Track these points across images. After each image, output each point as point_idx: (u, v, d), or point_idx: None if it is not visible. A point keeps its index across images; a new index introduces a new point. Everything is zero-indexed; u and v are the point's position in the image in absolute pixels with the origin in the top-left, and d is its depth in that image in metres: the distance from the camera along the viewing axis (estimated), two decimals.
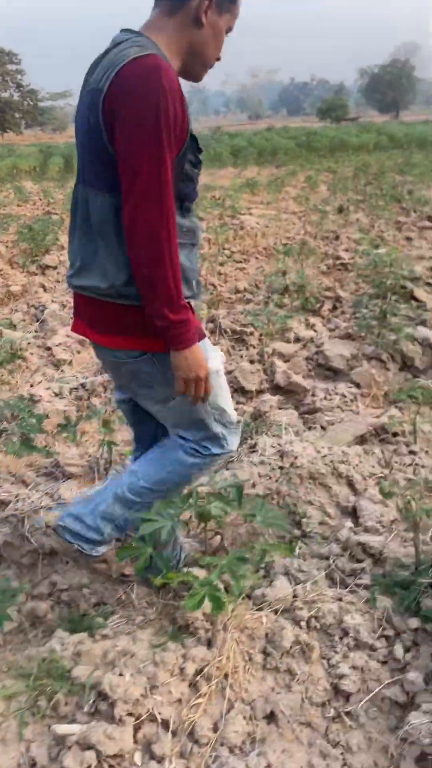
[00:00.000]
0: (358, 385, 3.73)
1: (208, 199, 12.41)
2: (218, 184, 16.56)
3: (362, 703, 1.70)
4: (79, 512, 2.13)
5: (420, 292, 5.10)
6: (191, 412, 1.90)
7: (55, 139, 58.88)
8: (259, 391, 3.73)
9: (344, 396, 3.62)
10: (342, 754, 1.60)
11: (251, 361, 3.98)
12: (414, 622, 1.84)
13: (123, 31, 1.75)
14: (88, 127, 1.68)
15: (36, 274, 7.06)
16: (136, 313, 1.75)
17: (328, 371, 3.93)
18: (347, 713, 1.69)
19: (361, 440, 2.99)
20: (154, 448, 2.10)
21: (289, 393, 3.70)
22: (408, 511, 1.96)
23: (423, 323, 4.76)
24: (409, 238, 8.18)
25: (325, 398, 3.62)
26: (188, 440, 1.99)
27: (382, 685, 1.73)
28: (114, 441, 2.78)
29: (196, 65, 1.81)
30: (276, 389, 3.73)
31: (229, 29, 1.82)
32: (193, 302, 1.88)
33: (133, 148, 1.58)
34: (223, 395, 1.93)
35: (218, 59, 1.86)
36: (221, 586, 1.66)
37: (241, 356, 4.05)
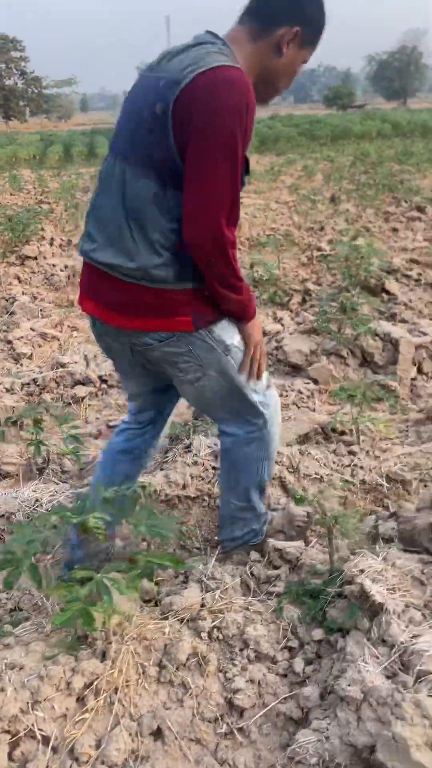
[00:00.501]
0: (315, 381, 3.66)
1: None
2: None
3: (255, 718, 1.64)
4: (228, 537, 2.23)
5: (392, 285, 5.01)
6: (230, 386, 1.96)
7: (60, 127, 58.65)
8: None
9: (300, 392, 3.55)
10: None
11: None
12: (318, 633, 1.79)
13: (208, 32, 1.76)
14: (153, 115, 1.65)
15: (15, 265, 7.01)
16: (164, 295, 1.77)
17: (287, 367, 3.85)
18: (240, 729, 1.63)
19: (305, 439, 2.92)
20: (221, 470, 2.17)
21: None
22: (321, 518, 1.90)
23: (393, 317, 4.69)
24: (395, 229, 8.07)
25: (281, 395, 3.54)
26: (232, 432, 2.06)
27: (278, 700, 1.67)
28: (43, 441, 2.72)
29: (265, 91, 1.84)
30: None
31: (304, 61, 1.85)
32: None
33: (213, 159, 1.61)
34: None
35: (287, 88, 1.91)
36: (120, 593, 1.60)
37: None
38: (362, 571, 1.81)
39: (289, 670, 1.73)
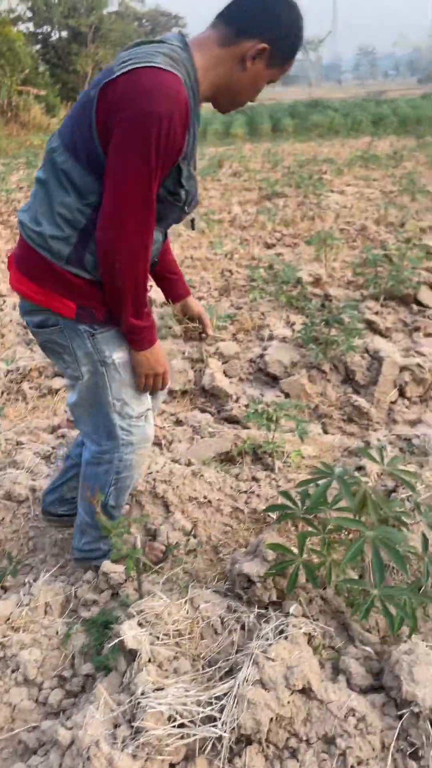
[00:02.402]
0: (287, 395, 3.54)
1: (313, 173, 12.06)
2: (336, 156, 15.97)
3: None
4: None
5: (425, 295, 4.68)
6: (96, 401, 1.90)
7: None
8: (184, 392, 3.64)
9: (267, 405, 3.44)
10: None
11: (194, 360, 3.87)
12: (87, 668, 1.77)
13: (177, 35, 1.74)
14: (87, 102, 1.66)
15: None
16: (58, 271, 1.74)
17: (267, 377, 3.75)
18: None
19: (226, 458, 2.85)
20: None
21: (214, 396, 3.58)
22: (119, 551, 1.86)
23: (417, 330, 4.40)
24: None
25: (247, 406, 3.46)
26: (88, 447, 2.02)
27: (25, 728, 1.69)
28: None
29: (225, 100, 1.79)
30: (202, 391, 3.62)
31: (272, 81, 1.79)
32: None
33: (124, 165, 1.59)
34: (128, 389, 1.90)
35: (251, 101, 1.83)
36: None
37: (184, 353, 3.93)
38: (141, 611, 1.77)
39: (47, 700, 1.74)
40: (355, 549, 1.62)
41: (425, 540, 1.85)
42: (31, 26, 39.99)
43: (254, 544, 2.00)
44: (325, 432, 3.33)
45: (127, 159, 1.58)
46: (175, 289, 2.20)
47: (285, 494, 1.94)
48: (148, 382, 1.89)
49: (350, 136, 23.17)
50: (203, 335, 2.24)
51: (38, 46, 39.24)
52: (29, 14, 39.96)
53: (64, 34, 40.48)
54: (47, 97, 32.72)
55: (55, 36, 40.68)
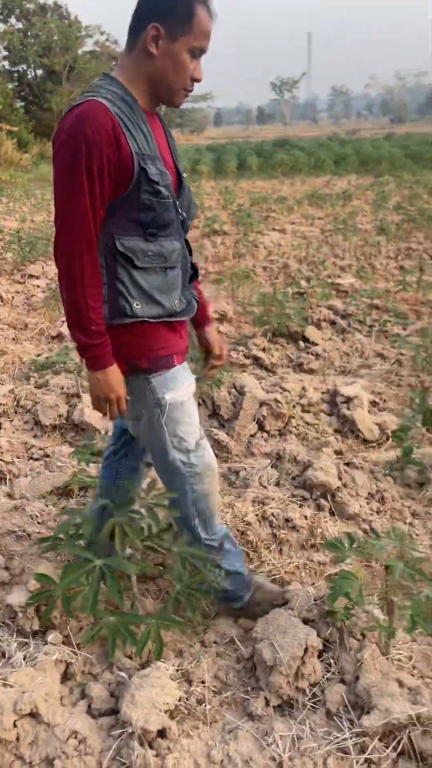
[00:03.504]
0: None
1: (261, 211, 12.37)
2: (293, 194, 16.37)
3: None
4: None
5: (312, 333, 4.86)
6: (153, 435, 1.99)
7: (192, 141, 60.35)
8: (55, 427, 3.74)
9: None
10: None
11: (69, 395, 3.98)
12: None
13: (103, 74, 1.87)
14: None
15: (18, 283, 7.41)
16: (109, 332, 1.85)
17: None
18: None
19: (64, 492, 2.94)
20: None
21: (83, 431, 3.68)
22: None
23: (300, 366, 4.56)
24: (402, 267, 7.72)
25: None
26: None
27: None
28: None
29: (162, 93, 1.85)
30: (73, 426, 3.73)
31: (196, 50, 1.81)
32: (179, 318, 1.95)
33: (54, 189, 1.77)
34: (183, 425, 1.98)
35: (197, 80, 1.86)
36: None
37: (62, 387, 4.04)
38: None
39: None
40: (73, 576, 1.72)
41: (183, 566, 1.96)
42: (6, 64, 40.70)
43: (28, 575, 2.09)
44: None
45: (55, 182, 1.76)
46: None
47: (62, 527, 2.04)
48: (100, 406, 1.91)
49: (312, 175, 23.79)
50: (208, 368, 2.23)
51: (14, 84, 39.93)
52: (5, 53, 40.69)
53: (40, 72, 41.25)
54: (20, 134, 33.15)
55: (30, 74, 41.42)
